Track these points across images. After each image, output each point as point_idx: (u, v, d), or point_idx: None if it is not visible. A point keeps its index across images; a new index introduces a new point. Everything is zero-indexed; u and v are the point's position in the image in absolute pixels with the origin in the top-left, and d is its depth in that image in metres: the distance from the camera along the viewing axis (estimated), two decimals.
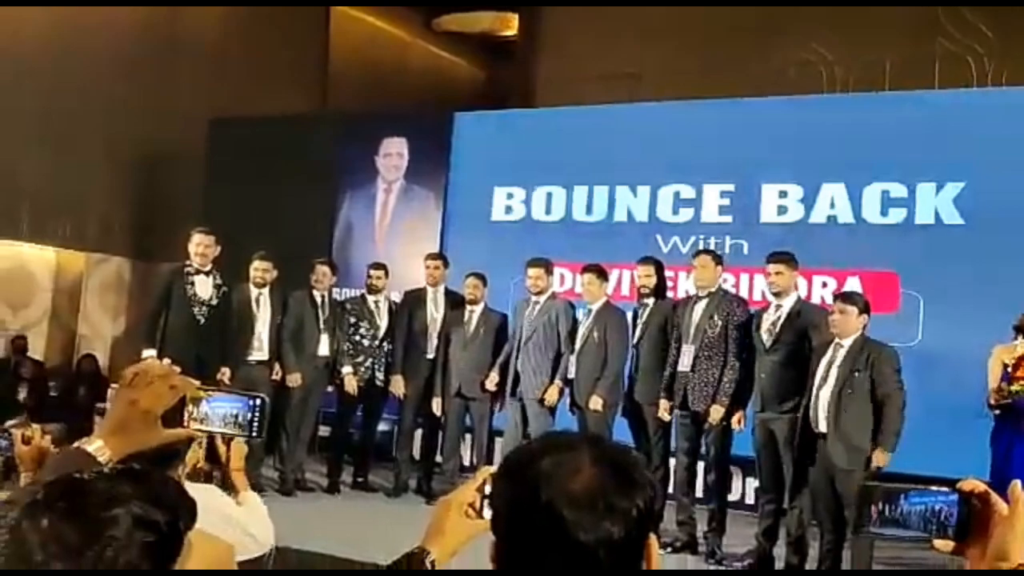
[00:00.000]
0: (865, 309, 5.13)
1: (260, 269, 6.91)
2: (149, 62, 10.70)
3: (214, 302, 6.65)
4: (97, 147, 10.38)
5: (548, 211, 8.33)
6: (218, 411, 1.49)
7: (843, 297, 5.34)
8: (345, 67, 11.20)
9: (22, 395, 9.54)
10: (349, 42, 11.39)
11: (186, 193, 10.10)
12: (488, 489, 1.39)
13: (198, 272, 6.62)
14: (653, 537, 1.10)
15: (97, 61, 10.31)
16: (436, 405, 6.99)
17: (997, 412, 5.32)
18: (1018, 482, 1.21)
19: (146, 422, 1.44)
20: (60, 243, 10.68)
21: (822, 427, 5.07)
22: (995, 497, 1.20)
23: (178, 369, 1.50)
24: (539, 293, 6.61)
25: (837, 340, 5.13)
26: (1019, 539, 1.17)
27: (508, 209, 8.49)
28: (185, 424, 1.48)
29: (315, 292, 7.13)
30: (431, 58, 12.49)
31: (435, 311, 7.20)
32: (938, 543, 1.22)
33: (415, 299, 7.29)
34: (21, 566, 1.05)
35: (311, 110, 11.20)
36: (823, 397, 5.09)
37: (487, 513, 1.39)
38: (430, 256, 7.44)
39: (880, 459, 4.93)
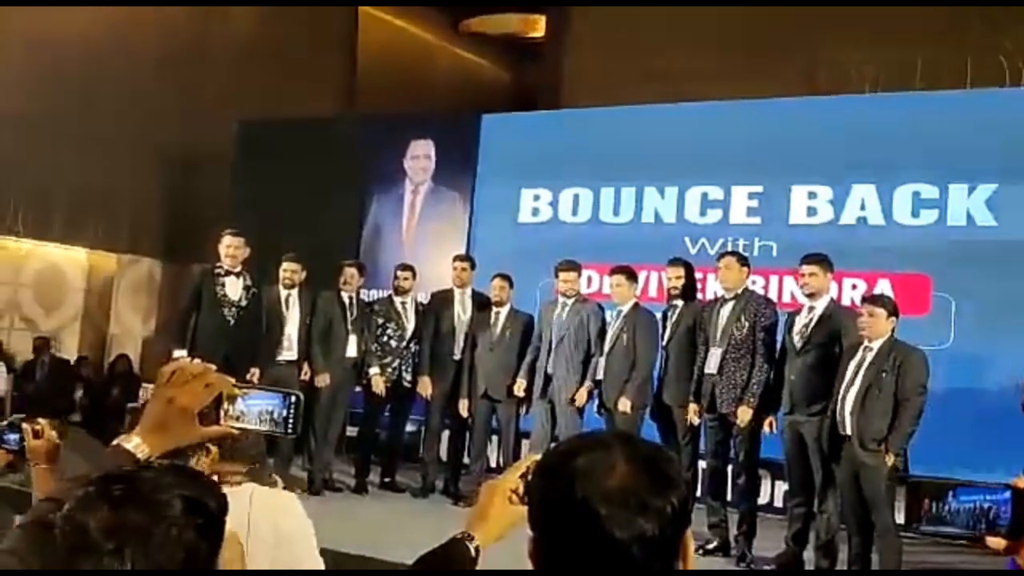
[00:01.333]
0: (894, 311, 5.10)
1: (289, 270, 6.96)
2: (180, 64, 10.83)
3: (244, 303, 6.70)
4: (128, 149, 10.52)
5: (575, 212, 8.32)
6: (254, 408, 1.50)
7: (872, 299, 5.31)
8: (373, 69, 11.26)
9: (77, 395, 9.72)
10: (377, 44, 11.45)
11: (216, 195, 10.21)
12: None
13: (228, 273, 6.67)
14: (689, 534, 1.11)
15: (129, 63, 10.44)
16: (463, 407, 7.00)
17: None
18: None
19: (183, 419, 1.46)
20: (92, 244, 10.82)
21: (848, 429, 5.05)
22: None
23: (214, 367, 1.51)
24: (570, 296, 6.61)
25: (866, 343, 5.10)
26: None
27: (535, 211, 8.50)
28: (221, 421, 1.49)
29: (343, 293, 7.17)
30: (458, 60, 12.52)
31: (462, 312, 7.22)
32: (990, 540, 1.20)
33: (442, 300, 7.31)
34: (84, 557, 1.08)
35: (339, 112, 11.27)
36: (849, 399, 5.06)
37: None
38: (457, 257, 7.46)
39: (887, 460, 4.90)
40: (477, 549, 1.47)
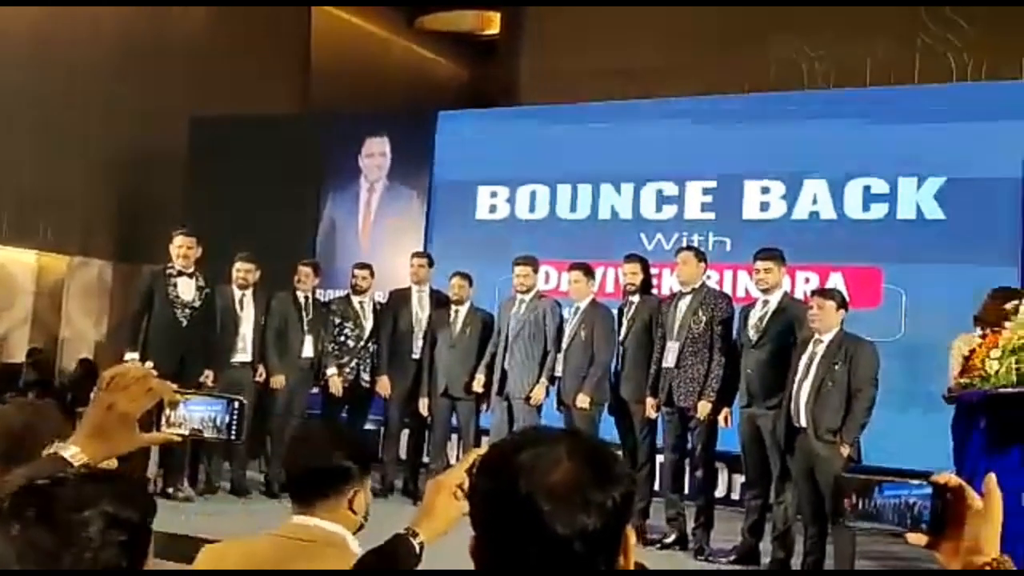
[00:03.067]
0: (843, 304, 5.19)
1: (243, 270, 6.87)
2: (131, 63, 10.64)
3: (197, 304, 6.61)
4: (79, 149, 10.32)
5: (532, 209, 8.33)
6: (195, 414, 1.48)
7: (821, 292, 5.41)
8: (327, 67, 11.17)
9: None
10: (331, 42, 11.35)
11: (169, 195, 10.05)
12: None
13: (180, 274, 6.57)
14: (630, 529, 1.11)
15: (79, 62, 10.24)
16: (423, 406, 6.97)
17: (954, 403, 5.32)
18: (993, 475, 1.22)
19: (123, 426, 1.42)
20: (41, 246, 10.60)
21: (803, 421, 5.12)
22: (969, 491, 1.20)
23: (155, 372, 1.49)
24: (525, 291, 6.61)
25: (817, 336, 5.17)
26: (993, 533, 1.17)
27: (492, 208, 8.49)
28: (163, 428, 1.47)
29: (299, 293, 7.10)
30: (414, 57, 12.47)
31: (420, 311, 7.19)
32: (911, 537, 1.22)
33: (400, 298, 7.27)
34: None
35: (294, 110, 11.15)
36: (803, 392, 5.14)
37: None
38: (415, 255, 7.43)
39: (841, 451, 4.98)
40: (421, 545, 1.47)
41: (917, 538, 1.21)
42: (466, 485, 1.43)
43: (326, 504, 2.03)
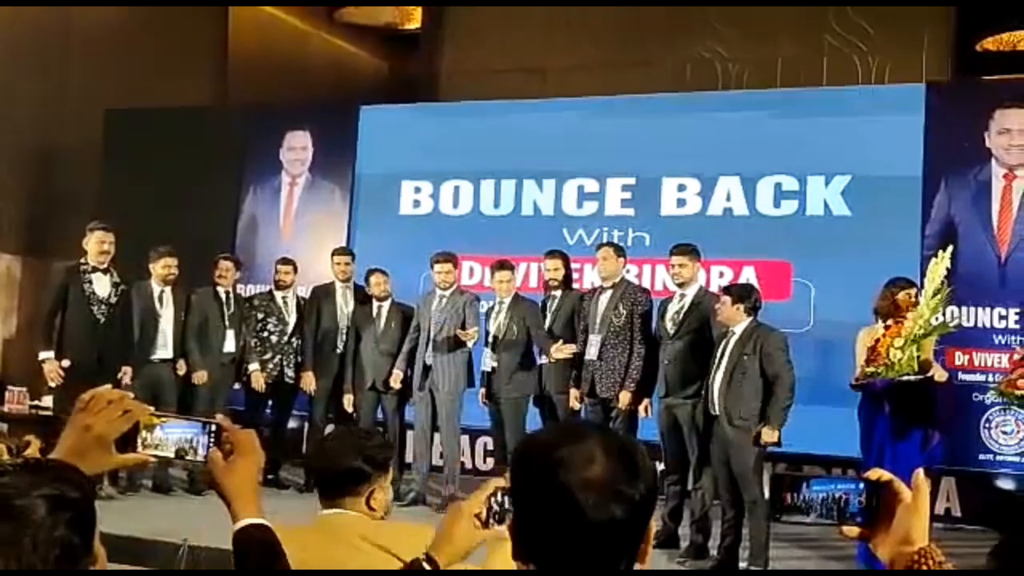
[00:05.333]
0: (739, 298, 5.37)
1: (170, 265, 6.75)
2: (42, 54, 10.30)
3: (113, 300, 6.48)
4: None
5: (456, 205, 8.39)
6: (172, 436, 1.51)
7: (724, 289, 5.69)
8: (246, 59, 10.99)
9: None
10: (249, 34, 11.18)
11: (79, 188, 9.77)
12: (496, 500, 1.50)
13: (95, 270, 6.44)
14: (652, 523, 1.24)
15: None
16: (347, 401, 6.98)
17: (859, 391, 5.59)
18: (921, 470, 1.36)
19: (100, 447, 1.45)
20: None
21: (716, 409, 5.32)
22: (899, 485, 1.31)
23: (131, 394, 1.52)
24: (446, 288, 6.68)
25: (731, 328, 5.38)
26: (922, 524, 1.28)
27: (416, 203, 8.52)
28: (139, 449, 1.49)
29: (219, 288, 7.03)
30: (334, 50, 12.36)
31: (344, 306, 7.21)
32: (846, 530, 1.33)
33: (324, 294, 7.27)
34: None
35: (212, 103, 10.95)
36: (717, 381, 5.34)
37: (494, 525, 1.51)
38: (337, 251, 7.43)
39: (768, 436, 5.19)
40: (437, 571, 1.53)
41: (850, 530, 1.33)
42: (484, 515, 1.52)
43: (346, 501, 2.26)
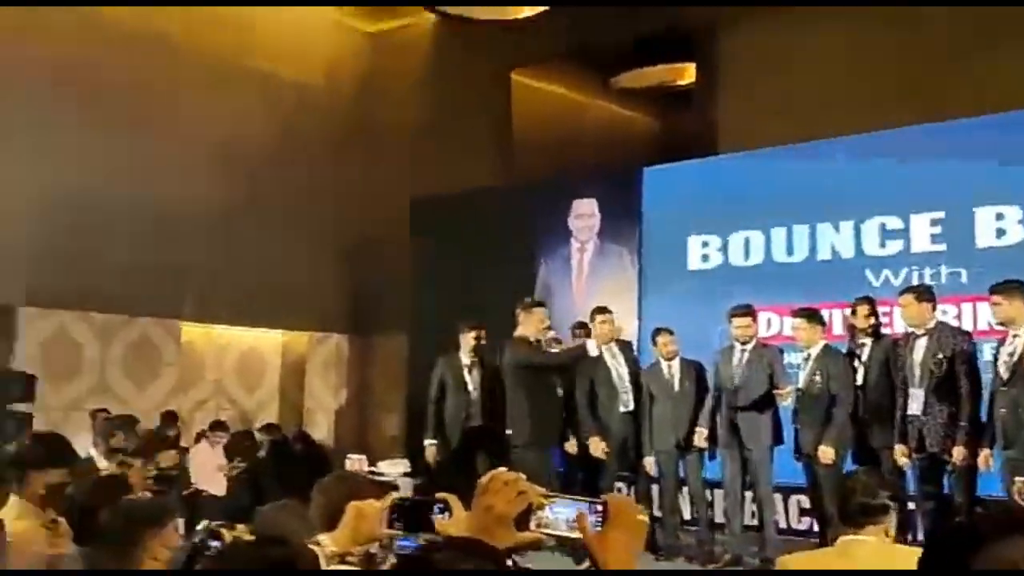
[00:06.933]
0: None
1: (477, 337, 7.28)
2: (348, 150, 11.54)
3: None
4: (309, 234, 11.22)
5: (747, 256, 8.24)
6: (561, 515, 1.60)
7: None
8: (529, 135, 11.57)
9: None
10: (530, 108, 11.77)
11: (393, 270, 10.73)
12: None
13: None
14: None
15: (304, 154, 11.21)
16: (649, 464, 6.92)
17: None
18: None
19: (501, 525, 1.59)
20: (286, 326, 11.55)
21: None
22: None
23: (524, 476, 1.65)
24: (745, 342, 6.54)
25: None
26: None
27: (705, 257, 8.48)
28: (532, 527, 1.60)
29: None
30: (608, 115, 12.71)
31: (619, 366, 7.07)
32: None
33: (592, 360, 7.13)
34: None
35: (499, 179, 11.59)
36: None
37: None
38: (599, 311, 7.03)
39: None
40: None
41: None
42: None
43: (869, 531, 2.75)
